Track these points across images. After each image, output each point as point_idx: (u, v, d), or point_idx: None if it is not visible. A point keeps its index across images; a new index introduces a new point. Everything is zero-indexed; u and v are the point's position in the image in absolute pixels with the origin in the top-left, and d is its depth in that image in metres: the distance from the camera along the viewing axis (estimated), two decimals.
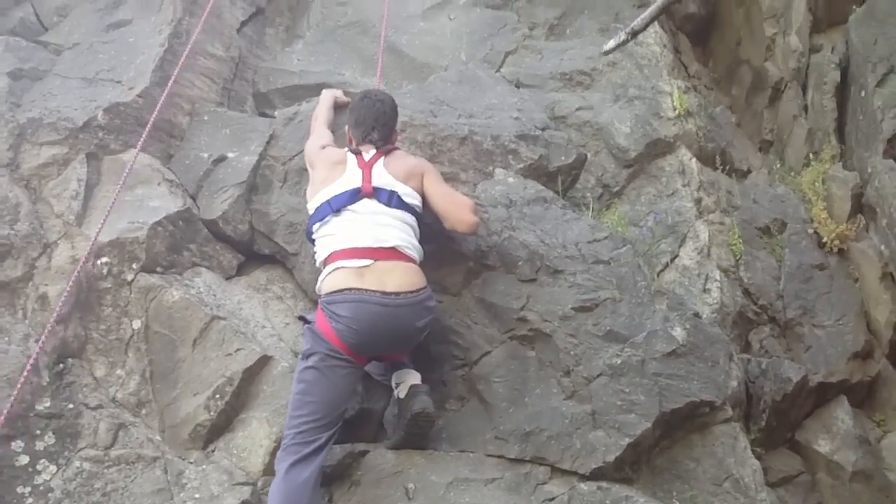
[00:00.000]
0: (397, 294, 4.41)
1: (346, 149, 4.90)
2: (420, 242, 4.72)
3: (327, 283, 4.51)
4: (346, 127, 5.08)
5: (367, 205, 4.63)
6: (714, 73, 8.67)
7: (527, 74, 7.12)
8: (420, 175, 4.82)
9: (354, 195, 4.64)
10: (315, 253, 4.72)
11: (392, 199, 4.65)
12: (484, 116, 6.05)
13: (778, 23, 8.14)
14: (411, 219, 4.70)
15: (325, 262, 4.58)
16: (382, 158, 4.79)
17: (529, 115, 6.19)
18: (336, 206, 4.62)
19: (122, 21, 6.67)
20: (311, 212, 4.76)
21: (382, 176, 4.71)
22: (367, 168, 4.73)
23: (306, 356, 4.42)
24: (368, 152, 4.81)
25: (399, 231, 4.59)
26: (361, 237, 4.52)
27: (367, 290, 4.38)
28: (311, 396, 4.32)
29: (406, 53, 7.41)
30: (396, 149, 4.97)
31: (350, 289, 4.40)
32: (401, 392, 4.59)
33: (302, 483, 4.15)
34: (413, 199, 4.73)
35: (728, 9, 8.63)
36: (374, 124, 4.90)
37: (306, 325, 4.53)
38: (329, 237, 4.60)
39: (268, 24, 7.52)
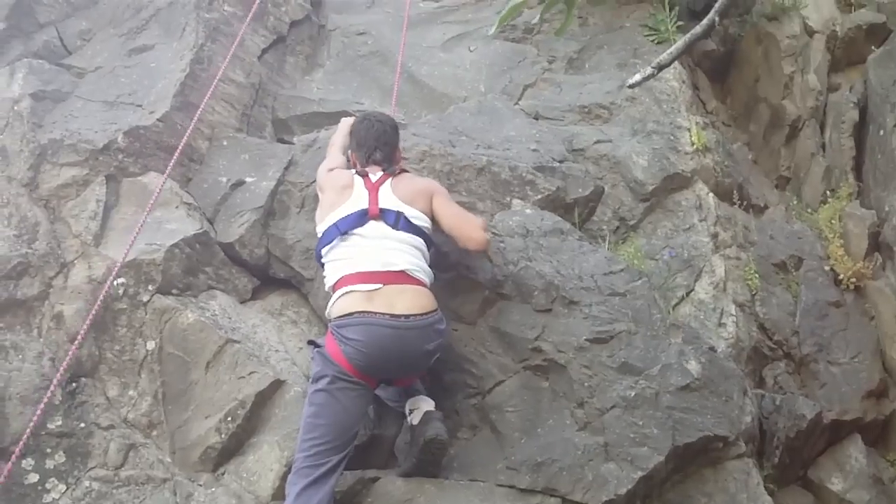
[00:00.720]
0: (406, 317, 4.40)
1: (353, 171, 4.92)
2: (433, 269, 4.73)
3: (336, 307, 4.50)
4: (349, 151, 5.12)
5: (374, 227, 4.64)
6: (732, 111, 8.66)
7: (545, 107, 7.13)
8: (429, 196, 4.83)
9: (361, 217, 4.65)
10: (325, 277, 4.72)
11: (399, 222, 4.65)
12: (502, 147, 6.07)
13: (796, 61, 8.15)
14: (419, 242, 4.69)
15: (335, 287, 4.57)
16: (390, 180, 4.81)
17: (547, 146, 6.21)
18: (343, 228, 4.63)
19: (144, 46, 6.72)
20: (319, 235, 4.77)
21: (389, 198, 4.72)
22: (373, 190, 4.74)
23: (316, 379, 4.40)
24: (375, 174, 4.84)
25: (408, 255, 4.59)
26: (370, 262, 4.52)
27: (376, 313, 4.37)
28: (321, 419, 4.30)
29: (426, 84, 7.44)
30: (405, 171, 4.99)
31: (359, 312, 4.39)
32: (414, 419, 4.56)
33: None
34: (421, 221, 4.73)
35: (747, 47, 8.62)
36: (375, 144, 4.94)
37: (316, 349, 4.52)
38: (338, 262, 4.60)
39: (288, 53, 7.56)
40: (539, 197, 5.73)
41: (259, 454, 4.78)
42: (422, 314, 4.46)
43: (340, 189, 4.79)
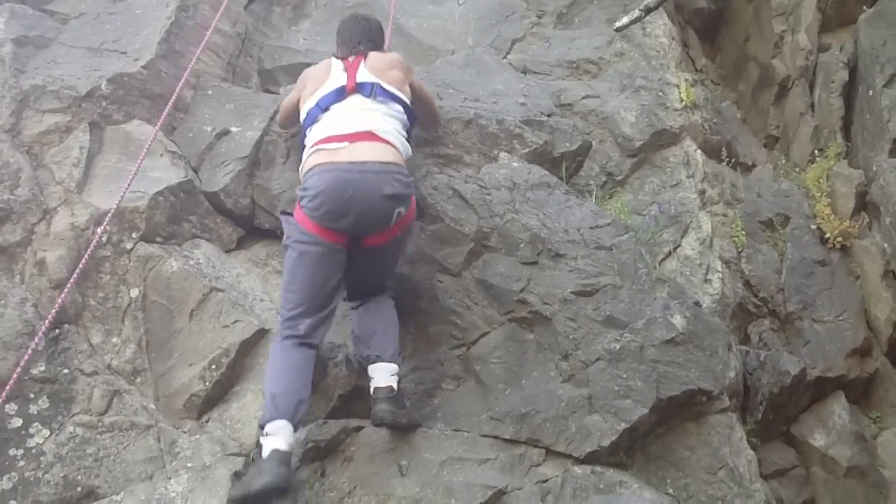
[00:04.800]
0: (364, 162, 4.48)
1: (329, 59, 5.06)
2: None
3: (304, 166, 4.65)
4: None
5: (352, 100, 4.77)
6: (721, 69, 8.65)
7: (534, 61, 7.09)
8: (401, 68, 5.02)
9: (340, 93, 4.80)
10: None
11: (375, 91, 4.79)
12: (490, 101, 6.03)
13: (787, 20, 8.12)
14: (396, 108, 4.83)
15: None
16: (363, 60, 4.94)
17: (535, 101, 6.17)
18: (324, 105, 4.77)
19: None
20: (302, 119, 4.90)
21: (364, 73, 4.86)
22: (351, 69, 4.88)
23: (285, 246, 4.56)
24: (351, 59, 4.97)
25: (380, 119, 4.71)
26: (340, 125, 4.65)
27: (336, 162, 4.48)
28: (294, 285, 4.47)
29: (414, 36, 7.38)
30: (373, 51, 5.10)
31: (321, 163, 4.50)
32: (371, 387, 4.56)
33: (295, 359, 4.35)
34: (396, 89, 4.87)
35: (738, 5, 8.60)
36: (360, 39, 5.09)
37: (284, 215, 4.66)
38: (315, 135, 4.71)
39: (275, 3, 7.51)
40: (526, 150, 5.71)
41: (243, 402, 4.79)
42: (382, 162, 4.53)
43: (316, 78, 4.94)
